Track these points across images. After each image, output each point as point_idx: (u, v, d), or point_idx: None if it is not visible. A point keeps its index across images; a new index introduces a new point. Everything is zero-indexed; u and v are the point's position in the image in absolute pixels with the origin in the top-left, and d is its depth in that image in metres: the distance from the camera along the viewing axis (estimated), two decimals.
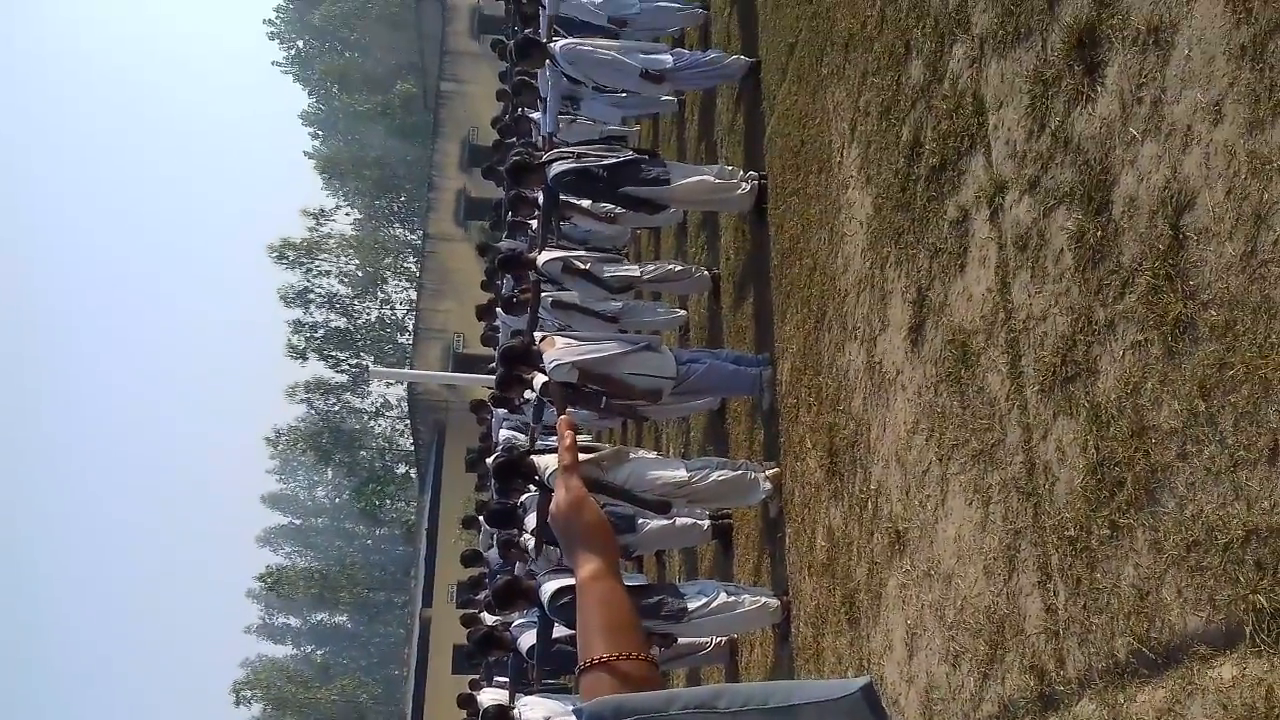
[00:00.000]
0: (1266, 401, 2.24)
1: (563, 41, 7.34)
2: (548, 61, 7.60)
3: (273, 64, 61.37)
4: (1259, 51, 2.34)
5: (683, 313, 9.34)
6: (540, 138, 9.61)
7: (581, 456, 1.46)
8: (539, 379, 6.54)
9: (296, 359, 47.68)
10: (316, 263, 48.21)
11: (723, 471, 5.78)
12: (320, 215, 49.03)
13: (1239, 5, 2.41)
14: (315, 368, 48.92)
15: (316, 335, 48.20)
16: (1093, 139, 2.95)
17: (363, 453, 51.41)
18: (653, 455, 6.20)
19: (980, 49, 3.72)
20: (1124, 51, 2.82)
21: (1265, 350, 2.25)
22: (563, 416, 1.49)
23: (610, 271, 7.97)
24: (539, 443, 8.44)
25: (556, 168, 6.58)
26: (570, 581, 4.72)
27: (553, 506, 1.41)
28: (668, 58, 7.34)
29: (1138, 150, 2.73)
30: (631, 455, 5.81)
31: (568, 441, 1.42)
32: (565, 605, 5.41)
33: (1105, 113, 2.90)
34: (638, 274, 8.19)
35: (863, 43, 4.99)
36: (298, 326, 47.91)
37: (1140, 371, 2.66)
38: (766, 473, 5.91)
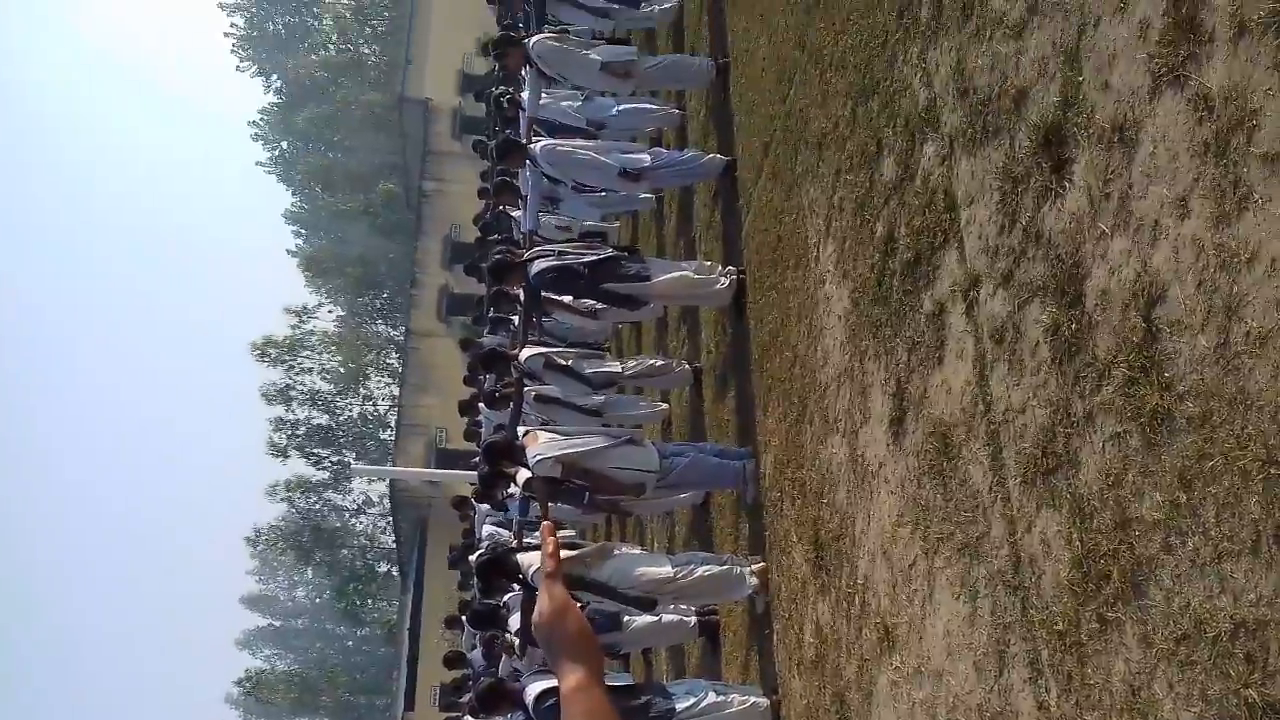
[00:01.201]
0: (1247, 492, 2.24)
1: (542, 142, 7.47)
2: (528, 162, 7.72)
3: (256, 164, 62.15)
4: (1221, 148, 2.40)
5: (665, 407, 9.34)
6: (521, 234, 9.71)
7: (565, 554, 1.45)
8: (522, 474, 6.50)
9: (278, 457, 47.35)
10: (299, 360, 48.19)
11: (708, 567, 5.72)
12: (303, 312, 49.18)
13: (1200, 104, 2.48)
14: (296, 465, 48.56)
15: (298, 433, 47.96)
16: (1063, 234, 3.00)
17: (344, 551, 50.77)
18: (637, 551, 6.14)
19: (950, 147, 3.80)
20: (1090, 149, 2.88)
21: (1243, 441, 2.26)
22: (545, 522, 1.48)
23: (592, 367, 8.00)
24: (523, 539, 8.35)
25: (538, 265, 6.64)
26: (555, 683, 4.63)
27: (535, 615, 1.39)
28: (645, 157, 7.47)
29: (1108, 244, 2.78)
30: (616, 551, 5.75)
31: (550, 548, 1.41)
32: (550, 707, 5.29)
33: (1074, 208, 2.96)
34: (619, 369, 8.22)
35: (835, 141, 5.09)
36: (279, 424, 47.69)
37: (1120, 463, 2.66)
38: (752, 567, 5.85)
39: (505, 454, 6.31)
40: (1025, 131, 3.24)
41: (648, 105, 8.41)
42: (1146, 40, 2.66)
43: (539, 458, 5.81)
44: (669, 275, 6.81)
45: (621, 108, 8.06)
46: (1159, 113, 2.61)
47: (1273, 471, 2.17)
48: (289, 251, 57.79)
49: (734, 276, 6.82)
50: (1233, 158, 2.36)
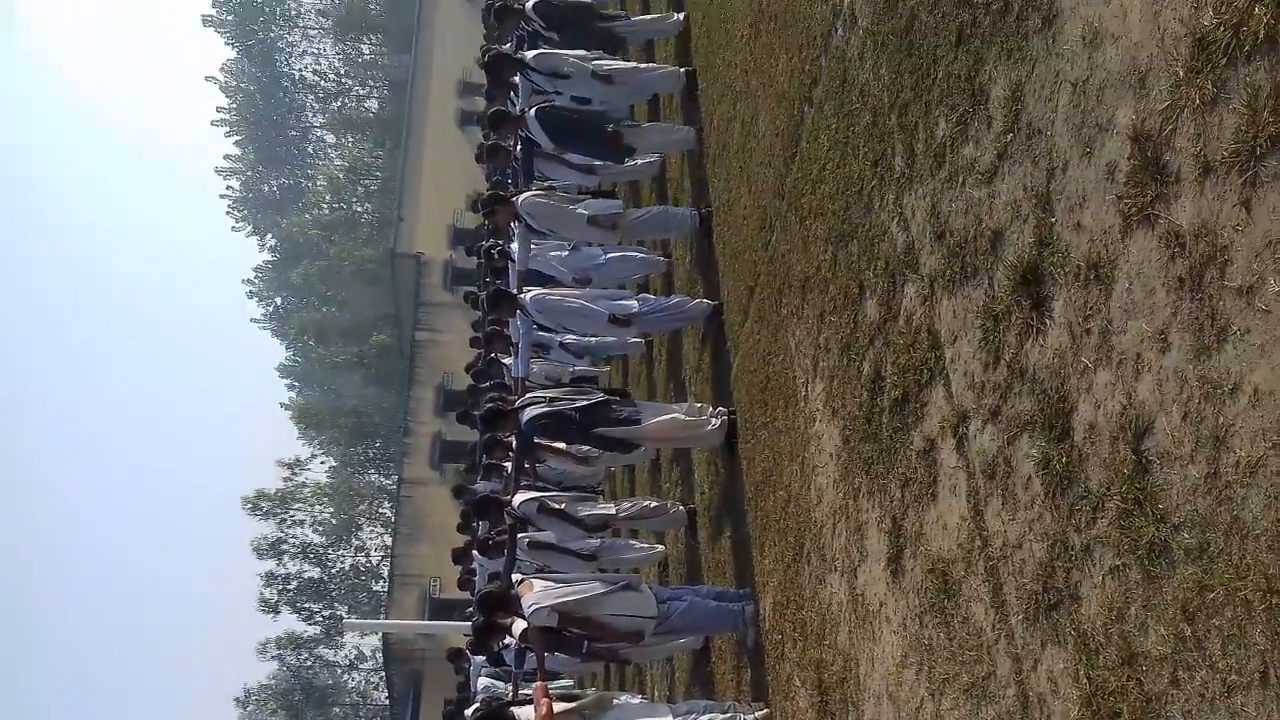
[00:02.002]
0: (1250, 623, 2.22)
1: (532, 293, 7.61)
2: (518, 311, 7.84)
3: (251, 320, 62.91)
4: (1196, 282, 2.46)
5: (661, 549, 9.25)
6: (512, 380, 9.79)
7: (562, 708, 1.43)
8: (518, 625, 6.39)
9: (269, 613, 46.46)
10: (291, 512, 47.78)
11: (711, 715, 5.58)
12: (295, 465, 49.01)
13: (1171, 241, 2.55)
14: (287, 621, 47.59)
15: (289, 587, 47.18)
16: (1047, 369, 3.05)
17: (336, 709, 49.31)
18: (637, 700, 6.00)
19: (931, 287, 3.89)
20: (1068, 286, 2.95)
21: (1242, 571, 2.25)
22: (538, 684, 1.47)
23: (586, 511, 7.96)
24: (520, 691, 8.14)
25: (530, 412, 6.68)
26: None
27: None
28: (634, 303, 7.61)
29: (1092, 379, 2.82)
30: (615, 702, 5.61)
31: (544, 711, 1.39)
32: None
33: (1056, 344, 3.01)
34: (613, 512, 8.18)
35: (818, 284, 5.20)
36: (270, 579, 46.96)
37: (1122, 597, 2.64)
38: (756, 714, 5.70)
39: (500, 604, 6.21)
40: (1003, 271, 3.32)
41: (635, 253, 8.61)
42: (1115, 181, 2.75)
43: (534, 607, 5.72)
44: (660, 418, 6.85)
45: (609, 256, 8.24)
46: (1132, 250, 2.69)
47: (1274, 601, 2.15)
48: (282, 405, 57.96)
49: (725, 417, 6.87)
50: (1208, 292, 2.42)
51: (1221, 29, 2.35)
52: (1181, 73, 2.48)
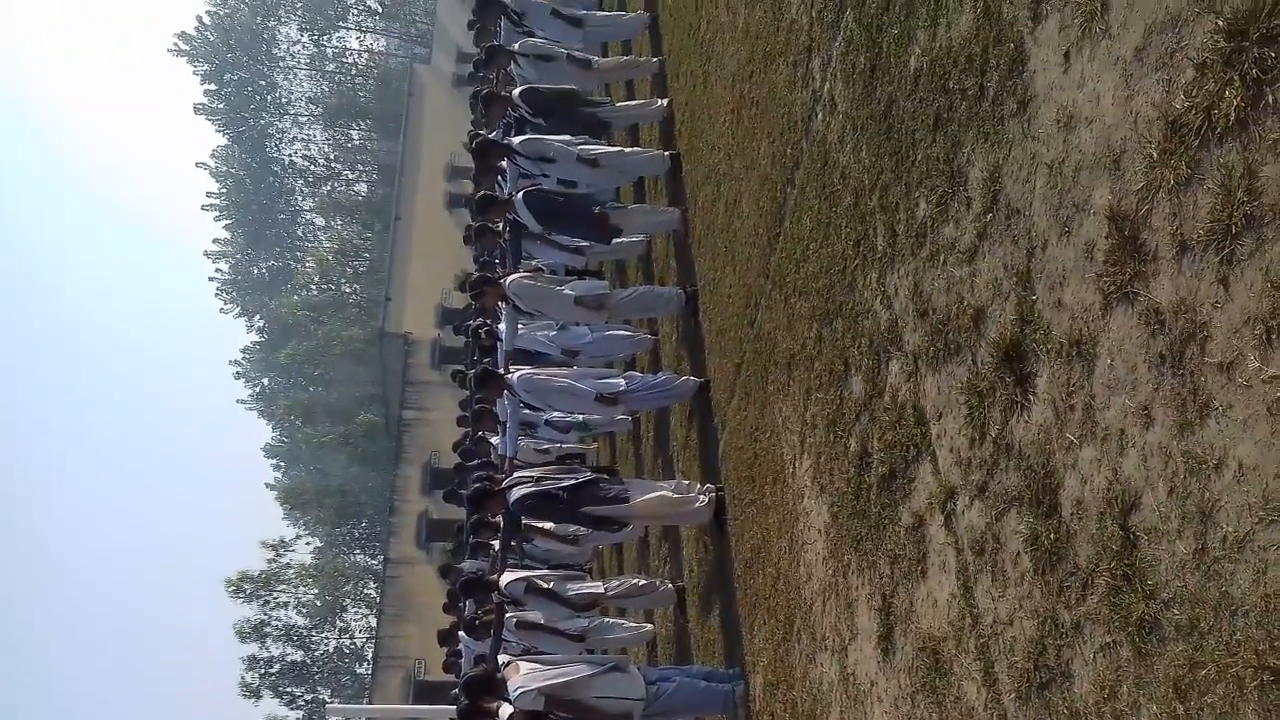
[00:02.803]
0: (1243, 701, 2.20)
1: (520, 372, 7.63)
2: (506, 390, 7.85)
3: (238, 401, 62.75)
4: (1177, 358, 2.49)
5: (649, 628, 9.14)
6: (499, 459, 9.76)
7: None
8: (505, 710, 6.28)
9: (250, 698, 45.49)
10: (274, 594, 47.12)
11: None
12: (280, 546, 48.46)
13: (1151, 318, 2.58)
14: (269, 706, 46.58)
15: (272, 671, 46.29)
16: (1033, 444, 3.06)
17: None
18: None
19: (915, 364, 3.92)
20: (1050, 363, 2.98)
21: (1233, 648, 2.24)
22: None
23: (574, 589, 7.88)
24: None
25: (517, 492, 6.65)
26: None
27: None
28: (621, 381, 7.63)
29: (1077, 454, 2.84)
30: None
31: None
32: None
33: (1041, 420, 3.03)
34: (601, 590, 8.11)
35: (804, 361, 5.23)
36: (252, 662, 46.09)
37: (1114, 674, 2.62)
38: None
39: (486, 688, 6.11)
40: (986, 348, 3.35)
41: (621, 332, 8.66)
42: (1094, 260, 2.80)
43: (521, 690, 5.63)
44: (648, 495, 6.83)
45: (596, 335, 8.28)
46: (1113, 327, 2.72)
47: (1265, 678, 2.14)
48: (268, 485, 57.55)
49: (713, 494, 6.85)
50: (1189, 368, 2.45)
51: (1193, 112, 2.42)
52: (1155, 154, 2.54)
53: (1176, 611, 2.41)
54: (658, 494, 6.86)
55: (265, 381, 62.35)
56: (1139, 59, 2.63)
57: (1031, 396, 3.08)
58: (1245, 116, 2.27)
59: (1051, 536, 2.92)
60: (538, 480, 6.67)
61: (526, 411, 8.45)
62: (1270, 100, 2.20)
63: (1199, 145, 2.41)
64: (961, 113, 3.58)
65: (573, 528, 7.95)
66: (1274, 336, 2.19)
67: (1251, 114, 2.25)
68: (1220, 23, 2.33)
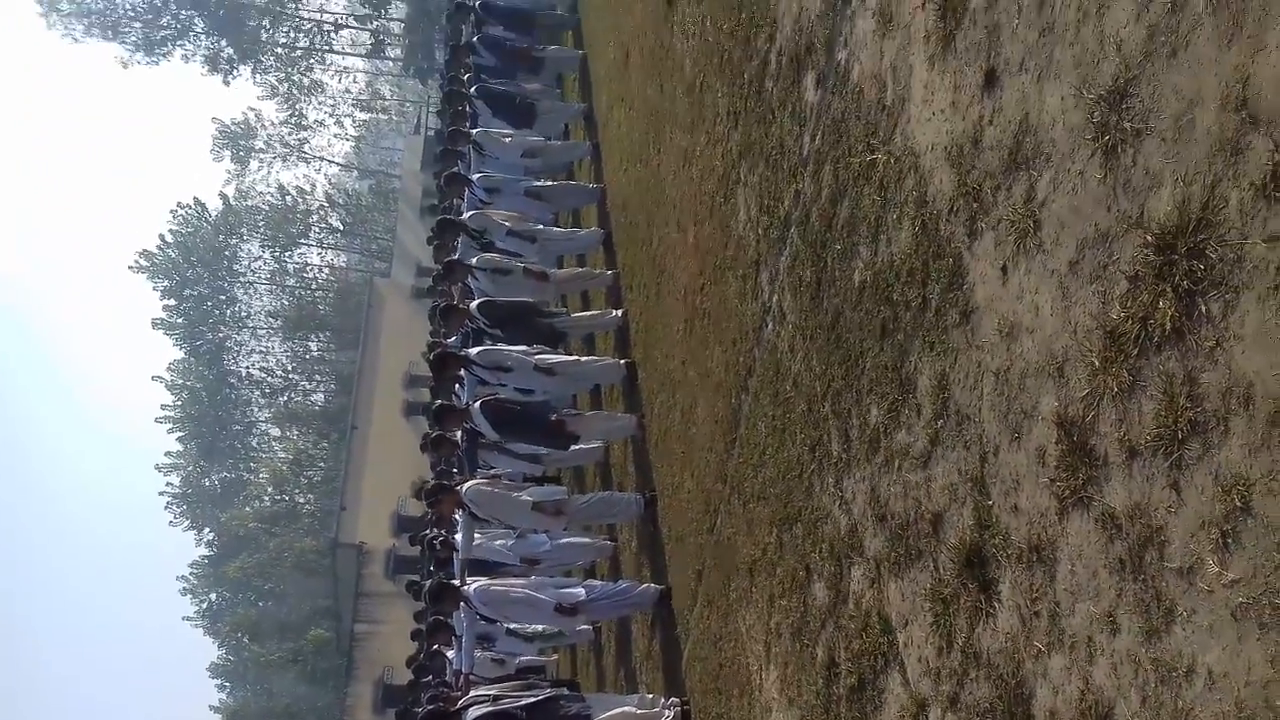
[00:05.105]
0: None
1: (476, 584, 7.45)
2: (462, 603, 7.64)
3: (184, 619, 60.56)
4: (1137, 563, 2.48)
5: None
6: (454, 674, 9.39)
7: None
8: None
9: None
10: None
11: None
12: None
13: (1108, 523, 2.59)
14: None
15: None
16: (1001, 653, 3.00)
17: None
18: None
19: (877, 570, 3.88)
20: (1012, 568, 2.96)
21: None
22: None
23: None
24: None
25: (473, 713, 6.35)
26: None
27: None
28: (580, 590, 7.46)
29: (1046, 663, 2.78)
30: None
31: None
32: None
33: (1007, 627, 2.98)
34: None
35: (765, 567, 5.17)
36: None
37: None
38: None
39: None
40: (946, 554, 3.33)
41: (580, 539, 8.54)
42: (1046, 465, 2.83)
43: None
44: (611, 712, 6.55)
45: (554, 543, 8.16)
46: (1071, 532, 2.72)
47: None
48: (212, 708, 54.81)
49: (678, 708, 6.60)
50: (1150, 573, 2.44)
51: (1130, 322, 2.50)
52: (1097, 362, 2.61)
53: None
54: (621, 710, 6.58)
55: (213, 597, 60.33)
56: (1074, 272, 2.74)
57: (996, 603, 3.04)
58: (1181, 326, 2.35)
59: None
60: (495, 699, 6.39)
61: (483, 624, 8.20)
62: (1203, 310, 2.29)
63: (1138, 354, 2.48)
64: (907, 322, 3.68)
65: None
66: (1230, 541, 2.20)
67: (1186, 323, 2.33)
68: (1149, 238, 2.45)
